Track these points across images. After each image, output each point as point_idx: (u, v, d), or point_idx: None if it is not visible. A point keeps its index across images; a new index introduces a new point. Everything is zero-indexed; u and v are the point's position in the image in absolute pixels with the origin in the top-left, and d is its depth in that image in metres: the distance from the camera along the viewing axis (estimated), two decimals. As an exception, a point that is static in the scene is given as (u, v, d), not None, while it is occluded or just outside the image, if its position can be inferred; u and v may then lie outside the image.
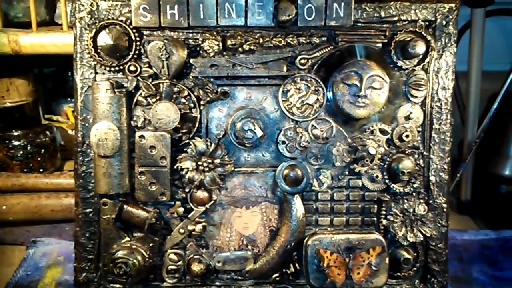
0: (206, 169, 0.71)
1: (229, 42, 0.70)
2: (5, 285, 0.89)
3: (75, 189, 0.73)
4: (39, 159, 1.21)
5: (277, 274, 0.75)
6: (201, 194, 0.72)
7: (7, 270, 0.95)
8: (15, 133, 1.19)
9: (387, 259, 0.72)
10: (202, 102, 0.71)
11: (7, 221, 1.06)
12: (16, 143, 1.18)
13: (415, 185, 0.73)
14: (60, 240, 1.03)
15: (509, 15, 1.36)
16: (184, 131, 0.71)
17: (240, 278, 0.75)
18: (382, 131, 0.73)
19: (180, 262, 0.74)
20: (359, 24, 0.71)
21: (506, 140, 1.27)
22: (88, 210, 0.72)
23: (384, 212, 0.74)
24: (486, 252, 0.99)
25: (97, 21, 0.69)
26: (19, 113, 1.20)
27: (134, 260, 0.69)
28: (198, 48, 0.71)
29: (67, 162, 1.28)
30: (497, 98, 1.15)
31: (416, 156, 0.73)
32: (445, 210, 0.75)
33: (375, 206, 0.75)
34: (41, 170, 1.21)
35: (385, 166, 0.73)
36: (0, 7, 1.08)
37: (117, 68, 0.70)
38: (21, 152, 1.18)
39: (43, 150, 1.22)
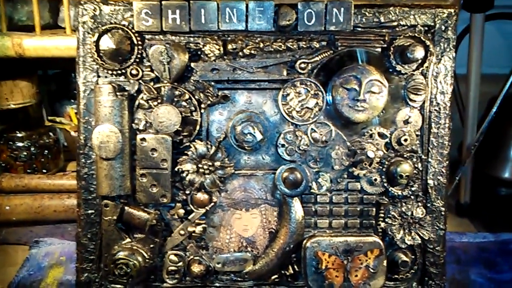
0: (207, 171, 0.71)
1: (230, 46, 0.71)
2: (8, 284, 0.90)
3: (77, 190, 0.73)
4: (42, 160, 1.22)
5: (276, 276, 0.76)
6: (202, 196, 0.73)
7: (10, 270, 0.96)
8: (19, 134, 1.20)
9: (385, 261, 0.73)
10: (203, 106, 0.72)
11: (10, 221, 1.07)
12: (20, 144, 1.20)
13: (413, 189, 0.74)
14: (63, 240, 1.03)
15: (509, 19, 1.37)
16: (185, 134, 0.72)
17: (239, 279, 0.76)
18: (381, 135, 0.73)
19: (180, 263, 0.75)
20: (359, 29, 0.72)
21: (505, 143, 1.27)
22: (90, 212, 0.73)
23: (382, 215, 0.75)
24: (485, 254, 0.99)
25: (100, 25, 0.70)
26: (23, 115, 1.21)
27: (135, 261, 0.70)
28: (199, 52, 0.71)
29: (70, 163, 1.29)
30: (497, 101, 1.16)
31: (414, 159, 0.74)
32: (443, 213, 0.75)
33: (374, 209, 0.75)
34: (44, 171, 1.22)
35: (384, 169, 0.73)
36: (5, 11, 1.09)
37: (119, 72, 0.71)
38: (25, 153, 1.19)
39: (46, 151, 1.23)
